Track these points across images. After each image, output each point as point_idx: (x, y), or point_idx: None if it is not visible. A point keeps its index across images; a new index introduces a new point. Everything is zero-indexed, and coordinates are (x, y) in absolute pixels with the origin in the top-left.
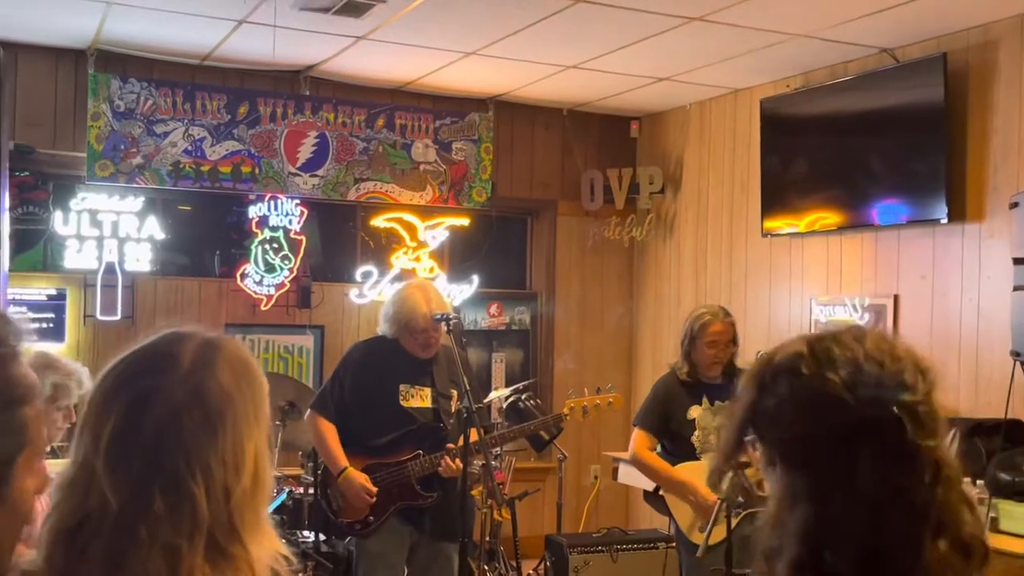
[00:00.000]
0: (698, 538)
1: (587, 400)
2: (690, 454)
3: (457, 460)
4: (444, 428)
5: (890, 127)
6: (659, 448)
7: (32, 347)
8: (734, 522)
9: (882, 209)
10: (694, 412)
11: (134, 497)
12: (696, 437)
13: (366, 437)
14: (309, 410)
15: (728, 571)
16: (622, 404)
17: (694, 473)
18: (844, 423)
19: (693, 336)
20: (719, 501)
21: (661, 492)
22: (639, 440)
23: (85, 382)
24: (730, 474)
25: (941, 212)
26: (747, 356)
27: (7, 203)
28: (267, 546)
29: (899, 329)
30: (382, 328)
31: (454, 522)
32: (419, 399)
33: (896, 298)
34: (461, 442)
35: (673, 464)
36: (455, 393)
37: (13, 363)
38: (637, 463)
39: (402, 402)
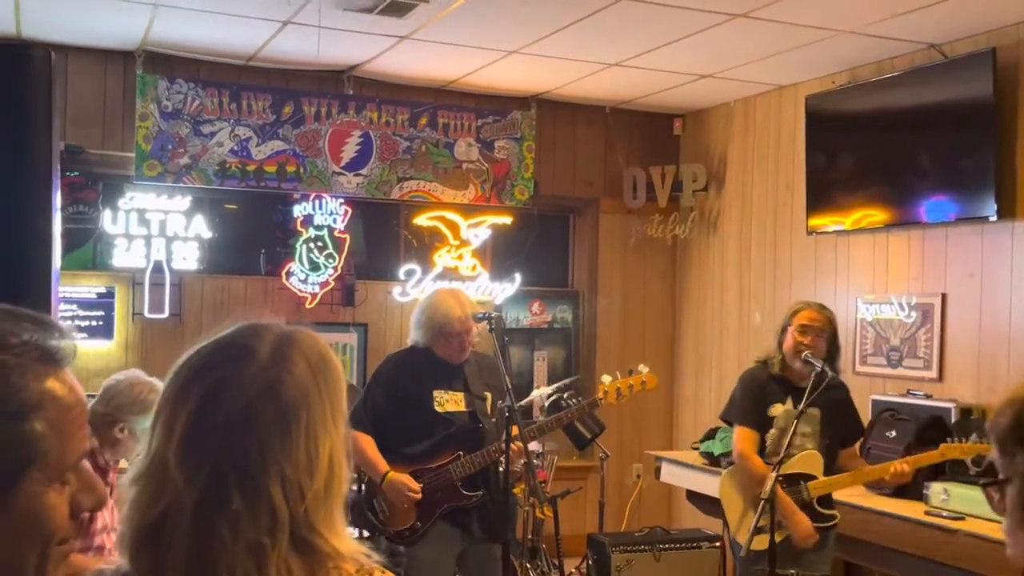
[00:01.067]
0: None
1: (620, 382)
2: (759, 450)
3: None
4: (482, 428)
5: (938, 123)
6: (728, 440)
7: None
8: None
9: (930, 206)
10: (776, 410)
11: (210, 493)
12: (771, 435)
13: (405, 445)
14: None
15: (771, 572)
16: (656, 383)
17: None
18: None
19: (785, 326)
20: (762, 501)
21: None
22: (745, 439)
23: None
24: (774, 475)
25: (990, 209)
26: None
27: (59, 203)
28: (347, 544)
29: (947, 328)
30: (414, 336)
31: (502, 523)
32: (454, 403)
33: (944, 297)
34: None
35: None
36: (489, 395)
37: (18, 374)
38: (745, 462)
39: (437, 408)
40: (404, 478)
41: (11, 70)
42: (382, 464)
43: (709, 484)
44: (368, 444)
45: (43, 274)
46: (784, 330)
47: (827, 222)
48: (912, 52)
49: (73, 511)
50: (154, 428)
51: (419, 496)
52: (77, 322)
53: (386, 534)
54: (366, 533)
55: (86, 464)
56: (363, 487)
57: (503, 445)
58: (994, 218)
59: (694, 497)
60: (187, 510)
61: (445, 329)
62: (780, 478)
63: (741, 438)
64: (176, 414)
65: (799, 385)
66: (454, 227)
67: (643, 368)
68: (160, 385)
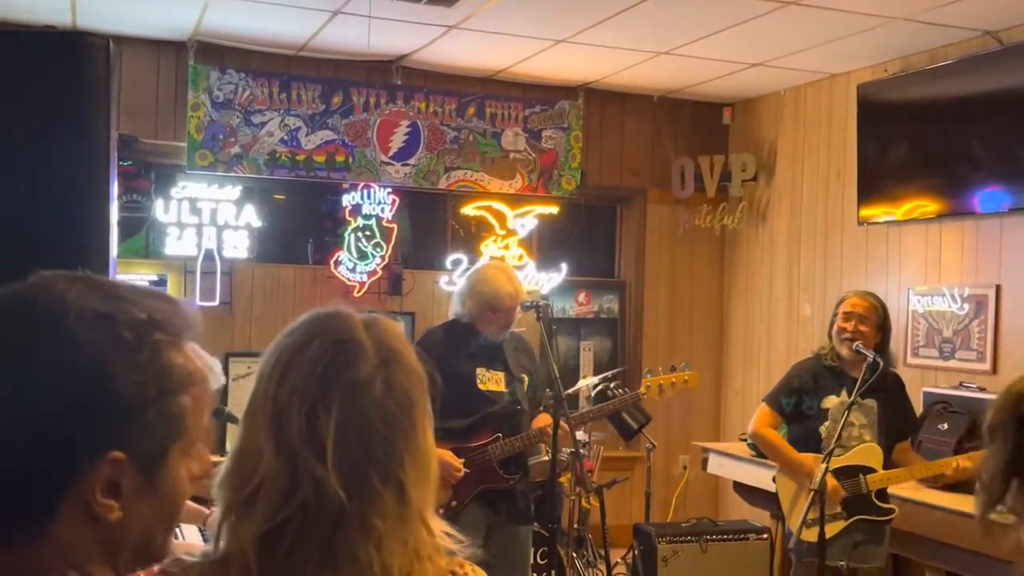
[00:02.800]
0: (805, 533)
1: (662, 378)
2: (814, 443)
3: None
4: (521, 410)
5: (993, 112)
6: (786, 434)
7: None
8: (844, 524)
9: (984, 196)
10: (830, 402)
11: (361, 490)
12: (825, 427)
13: (446, 420)
14: None
15: (820, 564)
16: (698, 382)
17: (816, 461)
18: None
19: (834, 314)
20: (812, 492)
21: (774, 478)
22: (762, 416)
23: (220, 375)
24: (824, 466)
25: None
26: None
27: (116, 191)
28: (438, 523)
29: (1001, 320)
30: (457, 310)
31: (530, 506)
32: (495, 383)
33: (998, 288)
34: (539, 422)
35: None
36: (526, 378)
37: (171, 351)
38: (755, 437)
39: (480, 385)
40: (447, 454)
41: (71, 59)
42: None
43: (756, 476)
44: None
45: (101, 261)
46: (833, 319)
47: (878, 212)
48: (967, 39)
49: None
50: (272, 429)
51: (462, 474)
52: None
53: None
54: None
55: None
56: None
57: (544, 431)
58: None
59: (741, 489)
60: (331, 509)
61: (494, 304)
62: (836, 470)
63: (758, 415)
64: (315, 417)
65: (854, 376)
66: (501, 217)
67: (686, 367)
68: (212, 362)
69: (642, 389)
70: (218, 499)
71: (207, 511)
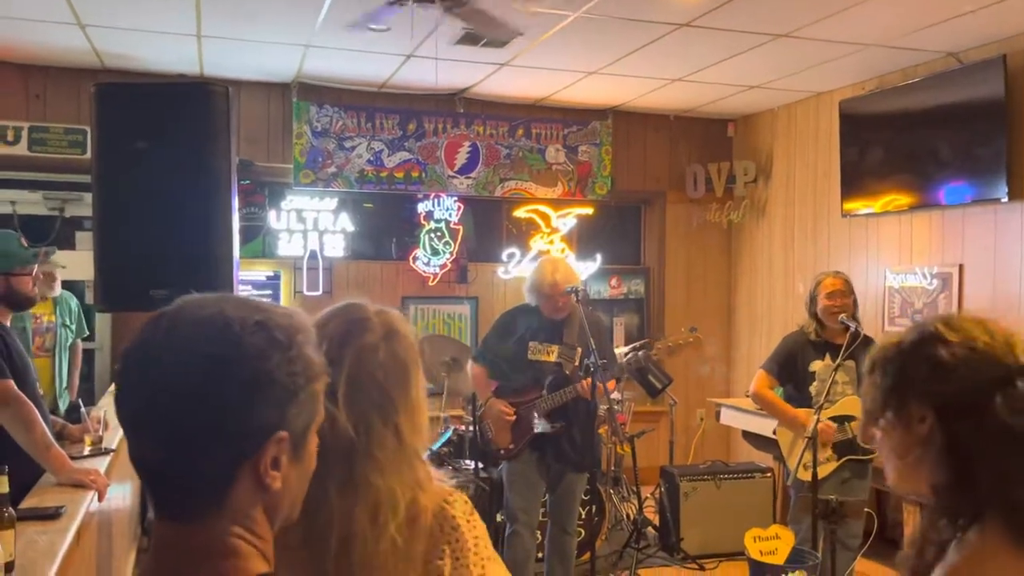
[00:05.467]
0: (802, 472)
1: (671, 341)
2: (807, 401)
3: (585, 382)
4: (565, 375)
5: (955, 120)
6: (782, 394)
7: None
8: (836, 465)
9: (948, 190)
10: (816, 366)
11: (366, 428)
12: (814, 387)
13: (505, 380)
14: (469, 360)
15: (814, 498)
16: (701, 344)
17: (808, 415)
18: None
19: (814, 296)
20: (806, 439)
21: (775, 430)
22: (760, 380)
23: None
24: (816, 417)
25: (1002, 192)
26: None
27: (236, 205)
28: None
29: (964, 293)
30: (526, 296)
31: (575, 454)
32: (545, 354)
33: (961, 267)
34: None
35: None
36: (579, 351)
37: (308, 347)
38: (755, 398)
39: (529, 356)
40: (500, 404)
41: (200, 103)
42: (487, 392)
43: (760, 425)
44: (481, 374)
45: (227, 262)
46: (813, 299)
47: (859, 206)
48: (932, 60)
49: None
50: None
51: (512, 418)
52: None
53: (492, 451)
54: (480, 464)
55: None
56: (476, 426)
57: (579, 387)
58: (1006, 200)
59: (748, 436)
60: (344, 444)
61: (540, 290)
62: (828, 420)
63: (757, 379)
64: (334, 375)
65: (835, 343)
66: (546, 217)
67: (692, 330)
68: None
69: (654, 352)
70: None
71: None
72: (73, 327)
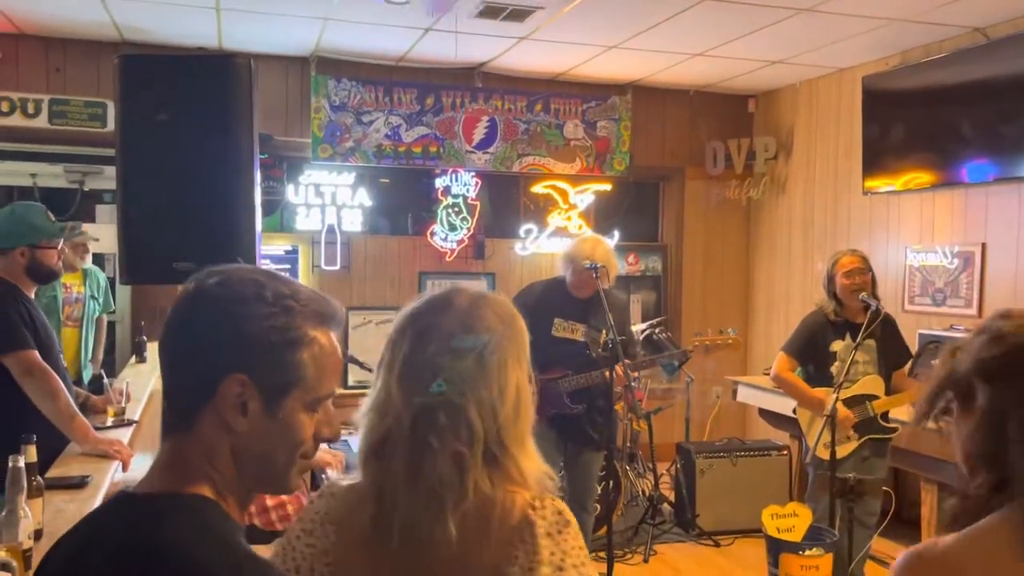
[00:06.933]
0: (821, 451)
1: (708, 339)
2: (828, 381)
3: (619, 370)
4: (590, 355)
5: (980, 97)
6: (802, 373)
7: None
8: (856, 444)
9: (971, 168)
10: (836, 346)
11: (422, 413)
12: (835, 367)
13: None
14: None
15: (832, 476)
16: (740, 347)
17: (827, 395)
18: None
19: (831, 275)
20: (825, 418)
21: (794, 410)
22: (781, 362)
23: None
24: (835, 395)
25: None
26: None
27: (259, 179)
28: (533, 463)
29: (986, 272)
30: (559, 266)
31: (592, 432)
32: (569, 332)
33: (983, 246)
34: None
35: (813, 388)
36: (604, 334)
37: (301, 318)
38: (777, 380)
39: (553, 332)
40: None
41: (223, 76)
42: None
43: (776, 403)
44: None
45: (249, 235)
46: (831, 279)
47: (880, 184)
48: (957, 35)
49: (315, 437)
50: (379, 368)
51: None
52: None
53: None
54: None
55: (330, 405)
56: None
57: (603, 374)
58: None
59: (764, 414)
60: (406, 427)
61: (574, 264)
62: (848, 399)
63: (778, 361)
64: (395, 354)
65: (855, 322)
66: (564, 193)
67: (732, 331)
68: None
69: (690, 348)
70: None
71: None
72: (101, 300)
